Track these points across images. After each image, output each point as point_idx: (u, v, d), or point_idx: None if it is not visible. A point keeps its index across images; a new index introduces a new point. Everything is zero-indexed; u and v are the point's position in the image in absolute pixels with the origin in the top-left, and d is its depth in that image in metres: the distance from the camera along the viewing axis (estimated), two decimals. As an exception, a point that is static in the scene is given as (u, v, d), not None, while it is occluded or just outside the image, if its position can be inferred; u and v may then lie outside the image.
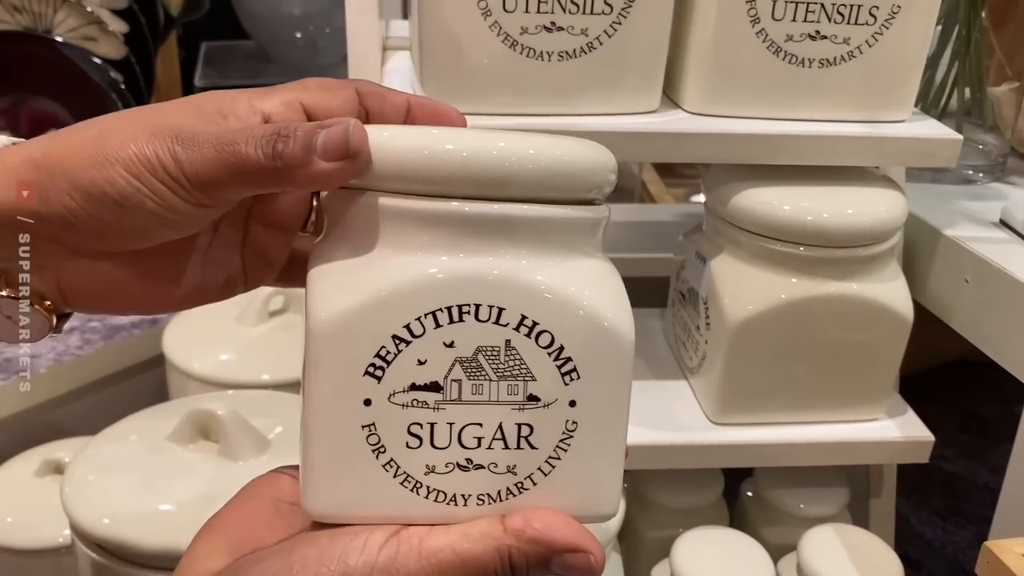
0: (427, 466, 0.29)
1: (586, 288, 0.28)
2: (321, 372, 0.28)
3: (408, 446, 0.28)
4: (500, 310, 0.27)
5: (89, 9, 0.80)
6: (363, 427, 0.28)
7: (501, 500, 0.29)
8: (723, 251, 0.52)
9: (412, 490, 0.29)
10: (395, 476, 0.28)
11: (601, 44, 0.46)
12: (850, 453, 0.53)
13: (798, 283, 0.50)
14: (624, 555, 0.61)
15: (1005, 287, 0.52)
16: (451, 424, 0.28)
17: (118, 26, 0.83)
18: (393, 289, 0.27)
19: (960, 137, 0.49)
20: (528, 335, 0.28)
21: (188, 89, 1.02)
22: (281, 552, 0.27)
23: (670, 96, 0.51)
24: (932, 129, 0.50)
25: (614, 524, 0.52)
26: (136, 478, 0.52)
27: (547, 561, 0.28)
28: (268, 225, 0.33)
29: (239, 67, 1.00)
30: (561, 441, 0.29)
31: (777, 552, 0.57)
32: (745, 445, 0.52)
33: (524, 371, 0.28)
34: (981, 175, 0.67)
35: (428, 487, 0.29)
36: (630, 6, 0.45)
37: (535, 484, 0.29)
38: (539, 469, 0.29)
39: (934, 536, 0.81)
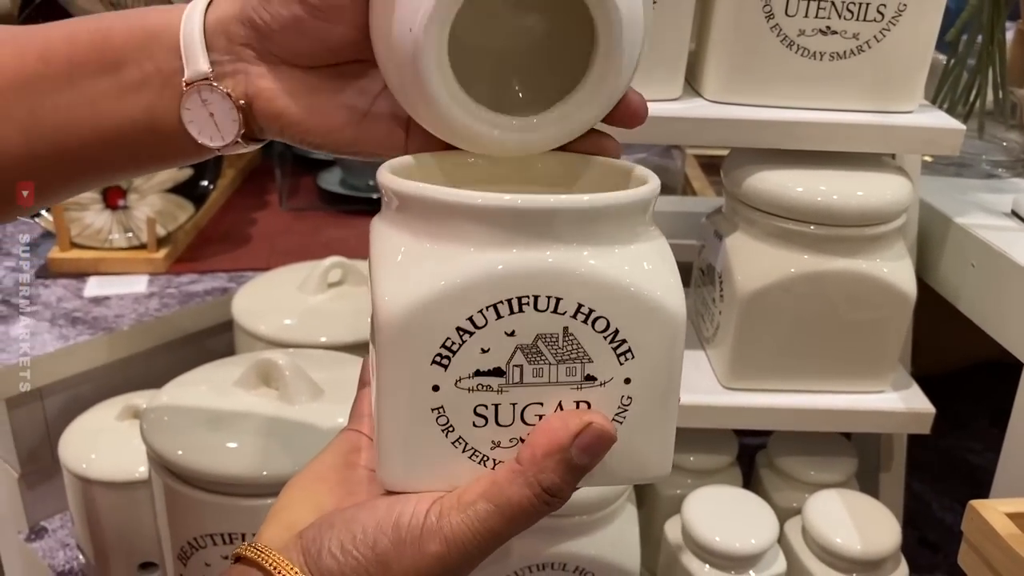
0: (493, 442, 0.31)
1: (638, 271, 0.30)
2: (391, 361, 0.30)
3: (475, 425, 0.31)
4: (558, 300, 0.29)
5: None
6: (432, 410, 0.30)
7: None
8: (738, 229, 0.56)
9: (480, 463, 0.31)
10: (464, 451, 0.31)
11: (627, 36, 0.51)
12: (853, 421, 0.57)
13: (807, 259, 0.54)
14: (642, 511, 0.66)
15: (1007, 271, 0.55)
16: (514, 404, 0.31)
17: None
18: (456, 283, 0.29)
19: (962, 127, 0.53)
20: (585, 321, 0.29)
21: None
22: (346, 520, 0.31)
23: (692, 85, 0.56)
24: (936, 120, 0.54)
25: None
26: (206, 416, 0.58)
27: (568, 460, 0.30)
28: None
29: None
30: (617, 415, 0.31)
31: (786, 515, 0.61)
32: (752, 408, 0.56)
33: (582, 354, 0.30)
34: (1002, 170, 0.70)
35: (495, 459, 0.31)
36: (654, 5, 0.50)
37: None
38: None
39: (954, 522, 0.83)
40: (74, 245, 0.87)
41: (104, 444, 0.69)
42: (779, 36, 0.52)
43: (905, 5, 0.51)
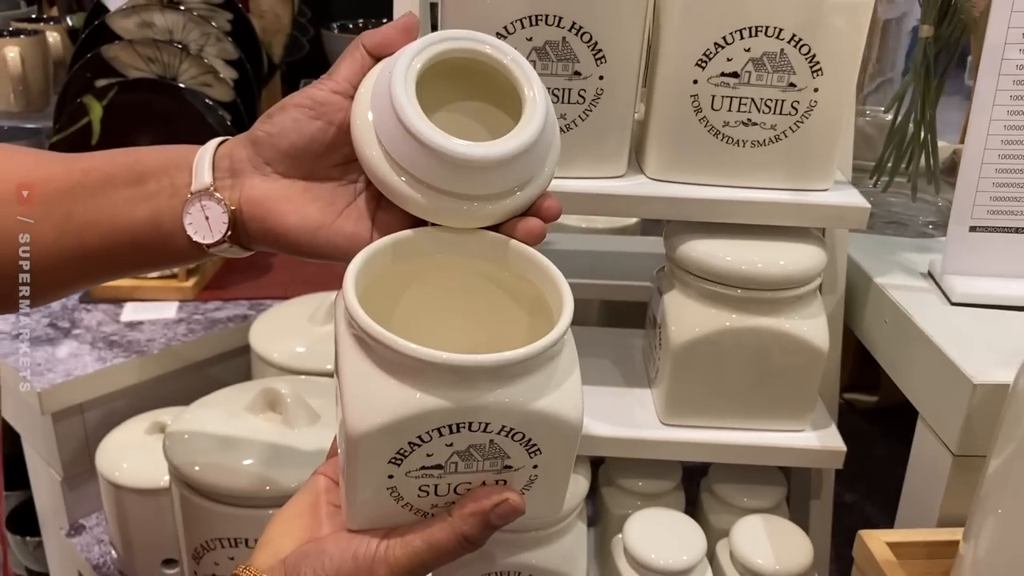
0: (432, 505, 0.42)
1: (548, 396, 0.39)
2: (357, 463, 0.39)
3: (419, 496, 0.41)
4: (486, 424, 0.39)
5: (206, 60, 0.98)
6: (387, 488, 0.40)
7: None
8: (675, 288, 0.65)
9: (422, 517, 0.42)
10: (410, 511, 0.42)
11: (576, 126, 0.60)
12: (773, 456, 0.65)
13: (734, 317, 0.62)
14: (597, 528, 0.75)
15: (910, 331, 0.63)
16: (450, 484, 0.41)
17: (229, 73, 1.01)
18: (410, 416, 0.37)
19: (867, 206, 0.61)
20: (507, 436, 0.40)
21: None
22: (318, 551, 0.42)
23: (638, 162, 0.64)
24: (846, 198, 0.62)
25: (576, 497, 0.66)
26: (219, 437, 0.69)
27: (487, 521, 0.42)
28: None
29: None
30: (525, 486, 0.42)
31: (720, 536, 0.69)
32: (686, 443, 0.65)
33: (503, 454, 0.41)
34: (932, 229, 0.78)
35: (432, 514, 0.42)
36: (599, 98, 0.59)
37: None
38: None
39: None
40: (114, 274, 0.98)
41: (134, 455, 0.80)
42: (706, 127, 0.60)
43: (816, 102, 0.59)
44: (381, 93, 0.42)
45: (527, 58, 0.57)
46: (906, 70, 0.81)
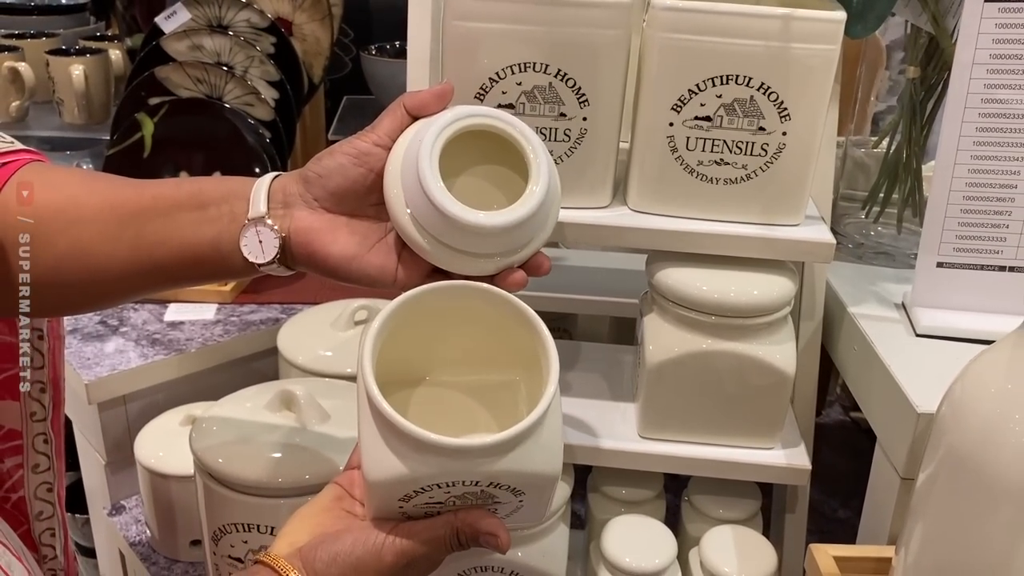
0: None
1: (531, 458, 0.47)
2: (374, 498, 0.50)
3: (425, 515, 0.51)
4: (477, 481, 0.48)
5: (249, 82, 1.06)
6: (399, 511, 0.50)
7: None
8: (654, 312, 0.70)
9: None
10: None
11: (562, 161, 0.66)
12: (742, 471, 0.70)
13: (708, 342, 0.67)
14: (583, 532, 0.80)
15: (871, 360, 0.67)
16: (449, 510, 0.51)
17: (270, 94, 1.09)
18: (413, 475, 0.46)
19: (832, 241, 0.65)
20: (496, 487, 0.49)
21: (329, 139, 1.27)
22: (334, 539, 0.51)
23: (623, 194, 0.69)
24: (814, 234, 0.66)
25: (559, 501, 0.71)
26: (239, 432, 0.76)
27: (476, 538, 0.51)
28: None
29: (366, 122, 1.23)
30: (512, 512, 0.52)
31: (695, 543, 0.74)
32: (659, 455, 0.70)
33: (493, 499, 0.50)
34: (915, 259, 0.81)
35: None
36: (582, 137, 0.65)
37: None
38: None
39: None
40: (160, 277, 1.06)
41: (169, 445, 0.88)
42: (682, 165, 0.65)
43: (784, 144, 0.64)
44: (410, 165, 0.50)
45: (517, 100, 0.63)
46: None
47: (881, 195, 0.83)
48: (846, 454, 1.09)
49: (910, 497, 0.61)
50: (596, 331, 1.01)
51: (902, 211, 0.81)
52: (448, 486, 0.47)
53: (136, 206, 0.55)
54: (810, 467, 0.70)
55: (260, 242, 0.54)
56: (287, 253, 0.54)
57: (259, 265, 0.54)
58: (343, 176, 0.53)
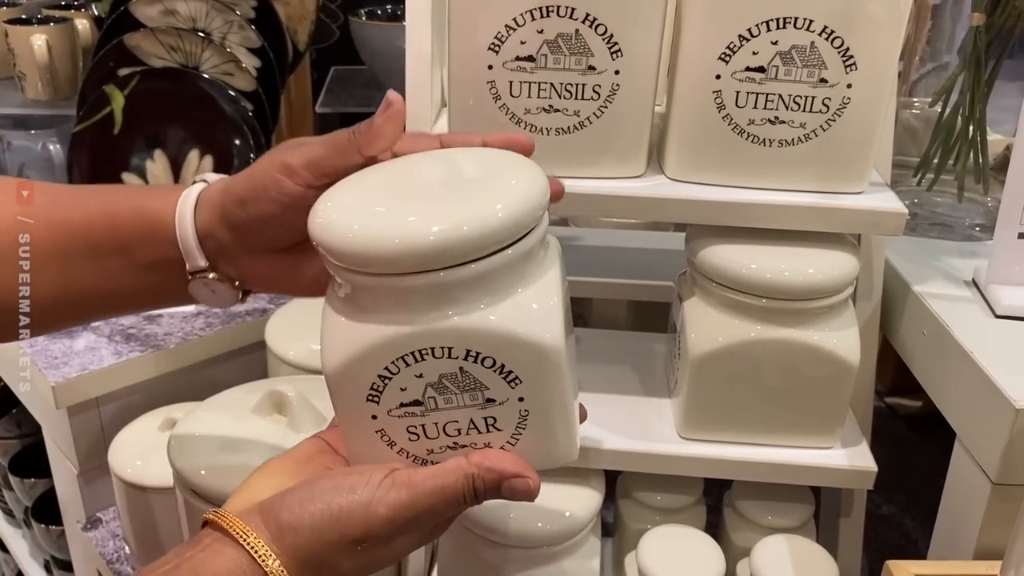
0: (427, 449, 0.42)
1: (513, 315, 0.38)
2: (339, 400, 0.41)
3: (410, 439, 0.41)
4: (449, 348, 0.38)
5: (228, 49, 0.97)
6: (375, 431, 0.41)
7: None
8: (695, 295, 0.61)
9: (421, 464, 0.42)
10: (408, 457, 0.42)
11: (590, 123, 0.57)
12: (799, 475, 0.61)
13: (758, 328, 0.58)
14: (612, 541, 0.72)
15: (948, 345, 0.59)
16: (436, 423, 0.41)
17: (251, 62, 0.99)
18: (370, 345, 0.38)
19: (904, 211, 0.56)
20: (475, 361, 0.39)
21: (316, 112, 1.17)
22: (306, 483, 0.40)
23: (659, 160, 0.61)
24: (882, 202, 0.57)
25: (588, 512, 0.63)
26: (223, 441, 0.67)
27: (499, 485, 0.40)
28: None
29: (356, 94, 1.15)
30: (519, 423, 0.41)
31: (743, 555, 0.66)
32: (704, 459, 0.61)
33: (479, 384, 0.39)
34: (980, 232, 0.73)
35: (431, 461, 0.42)
36: (614, 94, 0.56)
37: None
38: (508, 442, 0.41)
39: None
40: (135, 265, 0.97)
41: (147, 452, 0.79)
42: (730, 125, 0.56)
43: (849, 99, 0.55)
44: None
45: (538, 51, 0.55)
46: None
47: (936, 161, 0.75)
48: (885, 443, 1.01)
49: (1006, 505, 0.53)
50: (613, 317, 0.93)
51: (963, 177, 0.72)
52: (416, 360, 0.38)
53: (51, 246, 0.47)
54: (875, 468, 0.61)
55: (213, 292, 0.48)
56: (247, 290, 0.50)
57: (222, 308, 0.49)
58: (279, 226, 0.45)
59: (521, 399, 0.40)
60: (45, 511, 1.12)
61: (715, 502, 0.72)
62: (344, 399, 0.40)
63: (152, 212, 0.47)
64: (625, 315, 0.93)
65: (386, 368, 0.39)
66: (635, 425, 0.64)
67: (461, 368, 0.39)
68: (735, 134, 0.56)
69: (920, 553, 0.83)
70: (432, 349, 0.38)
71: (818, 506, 0.69)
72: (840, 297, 0.59)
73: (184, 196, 0.47)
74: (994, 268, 0.61)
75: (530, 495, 0.40)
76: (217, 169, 0.96)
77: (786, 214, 0.57)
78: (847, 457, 0.61)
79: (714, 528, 0.70)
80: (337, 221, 0.38)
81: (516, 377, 0.39)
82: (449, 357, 0.38)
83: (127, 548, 0.83)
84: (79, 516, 0.89)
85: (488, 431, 0.41)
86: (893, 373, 1.00)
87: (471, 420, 0.40)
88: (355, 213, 0.39)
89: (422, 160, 0.44)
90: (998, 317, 0.60)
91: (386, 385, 0.39)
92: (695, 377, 0.60)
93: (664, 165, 0.59)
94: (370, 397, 0.40)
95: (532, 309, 0.39)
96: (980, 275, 0.63)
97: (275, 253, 0.47)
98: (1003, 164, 0.76)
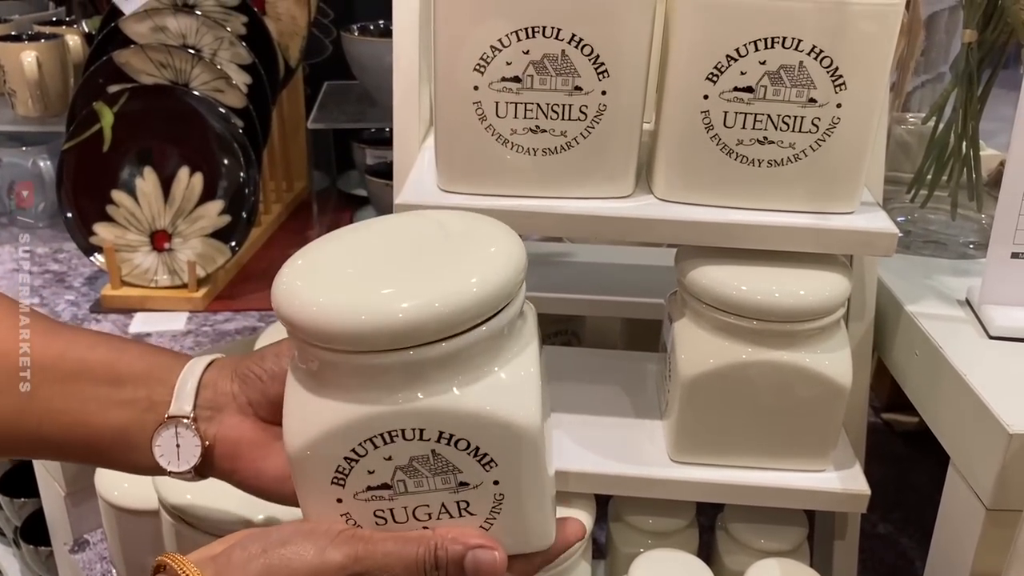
0: None
1: (487, 396, 0.36)
2: (302, 481, 0.39)
3: (376, 524, 0.39)
4: (421, 430, 0.36)
5: (218, 65, 0.96)
6: (340, 515, 0.39)
7: None
8: (685, 316, 0.60)
9: None
10: None
11: (577, 144, 0.56)
12: (792, 498, 0.61)
13: (749, 350, 0.58)
14: (605, 564, 0.71)
15: (941, 366, 0.58)
16: (405, 507, 0.38)
17: (242, 78, 0.98)
18: (337, 426, 0.36)
19: (896, 232, 0.56)
20: (448, 443, 0.36)
21: (309, 128, 1.17)
22: (262, 530, 0.38)
23: (647, 181, 0.60)
24: (873, 223, 0.57)
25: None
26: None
27: (462, 557, 0.38)
28: None
29: (348, 110, 1.14)
30: (493, 508, 0.38)
31: (735, 578, 0.65)
32: (695, 482, 0.60)
33: (452, 467, 0.37)
34: (973, 250, 0.72)
35: None
36: (601, 114, 0.55)
37: None
38: (481, 527, 0.39)
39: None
40: (124, 283, 0.96)
41: (135, 476, 0.77)
42: (719, 145, 0.56)
43: (839, 119, 0.54)
44: None
45: (524, 72, 0.54)
46: (953, 74, 0.75)
47: (929, 177, 0.74)
48: (881, 460, 0.99)
49: (1000, 531, 0.52)
50: (606, 334, 0.92)
51: (956, 194, 0.72)
52: (385, 443, 0.36)
53: (36, 361, 0.45)
54: (869, 491, 0.60)
55: (177, 446, 0.45)
56: (207, 463, 0.46)
57: (171, 472, 0.46)
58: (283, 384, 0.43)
59: (496, 482, 0.37)
60: (34, 531, 1.11)
61: (709, 521, 0.71)
62: (308, 480, 0.38)
63: (164, 358, 0.47)
64: (619, 332, 0.92)
65: (353, 450, 0.36)
66: (626, 448, 0.63)
67: (433, 451, 0.37)
68: (724, 154, 0.56)
69: (917, 573, 0.82)
70: (403, 431, 0.36)
71: (812, 527, 0.68)
72: (832, 318, 0.58)
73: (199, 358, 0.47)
74: (988, 288, 0.60)
75: (495, 570, 0.39)
76: (206, 184, 0.95)
77: (776, 235, 0.56)
78: (840, 480, 0.61)
79: (708, 550, 0.69)
80: (301, 293, 0.36)
81: (491, 460, 0.37)
82: (420, 439, 0.36)
83: (114, 571, 0.82)
84: (67, 538, 0.88)
85: (460, 515, 0.38)
86: (889, 389, 0.99)
87: (442, 504, 0.38)
88: (321, 284, 0.36)
89: (395, 223, 0.42)
90: (992, 338, 0.59)
91: (353, 467, 0.37)
92: (686, 399, 0.59)
93: (653, 185, 0.59)
94: (335, 480, 0.37)
95: (507, 387, 0.36)
96: (974, 295, 0.62)
97: (260, 420, 0.45)
98: (998, 180, 0.76)
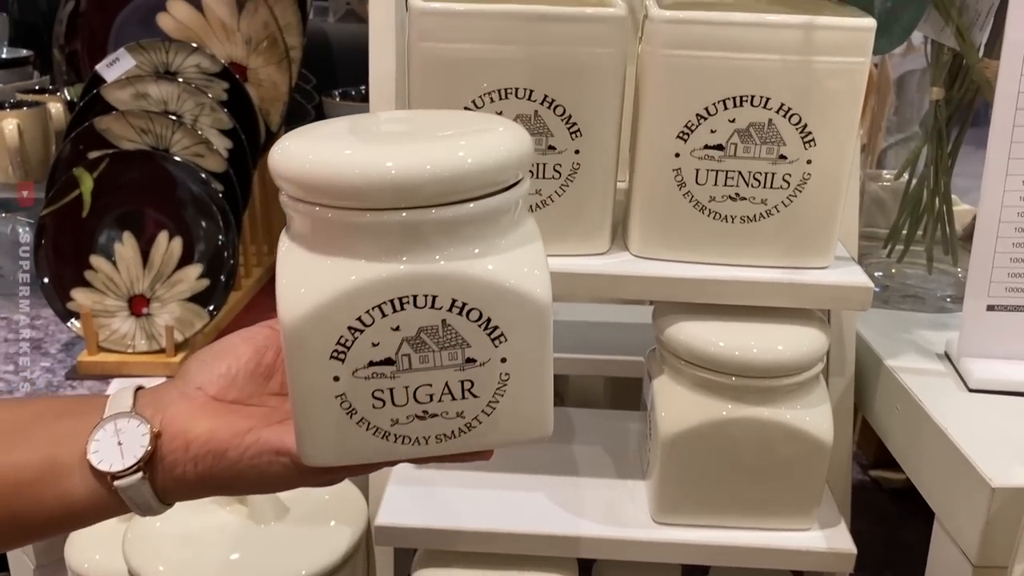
0: (392, 419, 0.37)
1: (504, 265, 0.35)
2: (295, 359, 0.35)
3: (374, 407, 0.36)
4: (434, 297, 0.34)
5: (199, 131, 0.97)
6: (335, 397, 0.36)
7: (455, 438, 0.37)
8: (664, 373, 0.60)
9: (382, 438, 0.37)
10: (367, 429, 0.37)
11: (552, 201, 0.56)
12: (775, 558, 0.59)
13: (728, 406, 0.57)
14: (589, 632, 0.69)
15: (922, 421, 0.57)
16: (406, 387, 0.36)
17: (223, 143, 0.99)
18: (345, 290, 0.34)
19: (871, 286, 0.56)
20: (459, 313, 0.35)
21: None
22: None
23: (623, 238, 0.60)
24: (848, 277, 0.57)
25: (561, 604, 0.60)
26: (181, 535, 0.64)
27: None
28: None
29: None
30: (498, 389, 0.37)
31: (723, 642, 0.63)
32: (678, 544, 0.59)
33: (460, 341, 0.36)
34: (949, 302, 0.72)
35: (395, 435, 0.37)
36: (575, 172, 0.55)
37: (480, 423, 0.37)
38: (483, 411, 0.37)
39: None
40: (101, 349, 0.95)
41: (105, 546, 0.75)
42: (691, 202, 0.56)
43: (809, 175, 0.55)
44: None
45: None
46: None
47: (904, 232, 0.74)
48: (870, 519, 0.98)
49: (988, 590, 0.51)
50: (591, 393, 0.91)
51: (931, 249, 0.72)
52: (395, 310, 0.34)
53: None
54: (855, 550, 0.59)
55: (119, 444, 0.38)
56: (156, 461, 0.39)
57: (114, 475, 0.38)
58: (235, 356, 0.41)
59: (504, 360, 0.36)
60: (4, 607, 1.07)
61: (695, 584, 0.69)
62: (303, 356, 0.35)
63: (78, 401, 0.45)
64: (603, 390, 0.91)
65: (359, 318, 0.34)
66: (610, 510, 0.62)
67: (444, 320, 0.35)
68: (696, 211, 0.56)
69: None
70: (415, 297, 0.34)
71: (800, 588, 0.67)
72: (811, 373, 0.57)
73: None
74: (965, 341, 0.60)
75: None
76: (185, 248, 0.95)
77: (751, 290, 0.56)
78: (826, 539, 0.60)
79: (693, 615, 0.67)
80: (298, 150, 0.34)
81: (502, 333, 0.35)
82: (432, 307, 0.34)
83: (84, 647, 0.79)
84: (36, 613, 0.85)
85: (464, 397, 0.37)
86: (877, 445, 0.98)
87: (446, 384, 0.36)
88: (320, 143, 0.35)
89: (400, 112, 0.42)
90: (971, 391, 0.59)
91: (356, 338, 0.34)
92: (667, 458, 0.58)
93: (628, 242, 0.59)
94: (336, 353, 0.35)
95: (525, 262, 0.36)
96: (952, 348, 0.62)
97: (211, 399, 0.40)
98: (971, 234, 0.76)
